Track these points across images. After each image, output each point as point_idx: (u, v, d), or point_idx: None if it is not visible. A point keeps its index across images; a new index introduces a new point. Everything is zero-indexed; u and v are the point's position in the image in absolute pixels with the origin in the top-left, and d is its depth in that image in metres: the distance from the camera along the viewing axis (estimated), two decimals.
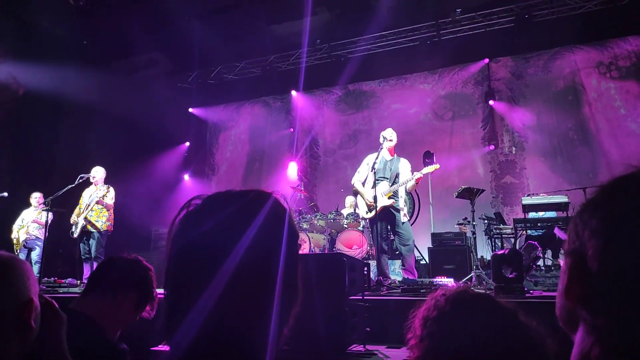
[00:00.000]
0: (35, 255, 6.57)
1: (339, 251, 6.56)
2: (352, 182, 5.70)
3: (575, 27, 8.06)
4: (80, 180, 5.96)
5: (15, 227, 6.78)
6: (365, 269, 3.13)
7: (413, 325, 1.05)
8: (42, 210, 6.05)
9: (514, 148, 8.68)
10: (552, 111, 8.47)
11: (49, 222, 5.87)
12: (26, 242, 6.65)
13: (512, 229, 6.45)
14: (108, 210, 6.14)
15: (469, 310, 0.98)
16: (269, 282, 0.71)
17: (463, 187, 5.69)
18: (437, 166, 5.39)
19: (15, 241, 6.67)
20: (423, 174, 5.17)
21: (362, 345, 2.86)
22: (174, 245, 0.74)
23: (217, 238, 0.70)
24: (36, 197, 6.73)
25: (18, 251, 6.52)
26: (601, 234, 0.55)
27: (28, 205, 6.80)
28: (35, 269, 5.81)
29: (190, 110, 11.07)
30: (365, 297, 3.05)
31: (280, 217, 0.75)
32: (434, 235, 6.90)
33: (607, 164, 7.83)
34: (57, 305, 1.22)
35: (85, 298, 1.63)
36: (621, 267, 0.53)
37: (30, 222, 6.64)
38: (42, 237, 6.07)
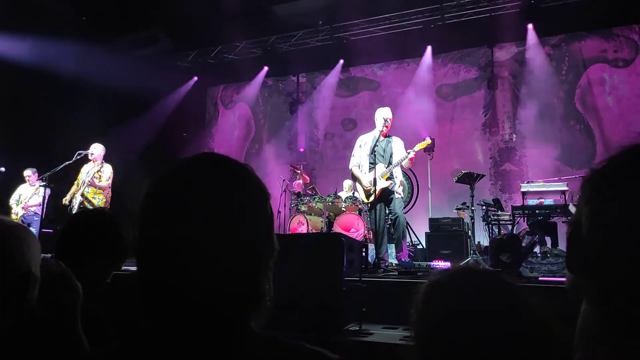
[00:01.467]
0: (33, 230, 6.56)
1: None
2: (350, 167, 5.67)
3: (580, 14, 7.96)
4: (78, 157, 5.92)
5: (12, 202, 6.76)
6: (364, 250, 3.13)
7: (416, 301, 1.04)
8: (40, 185, 6.01)
9: (514, 135, 8.65)
10: (555, 99, 8.42)
11: (46, 198, 5.85)
12: (24, 218, 6.64)
13: (510, 215, 6.46)
14: (103, 190, 6.12)
15: (473, 286, 0.97)
16: (253, 242, 0.71)
17: (463, 171, 5.67)
18: (428, 141, 5.34)
19: (14, 217, 6.65)
20: (416, 151, 5.12)
21: (358, 325, 2.87)
22: (147, 216, 0.74)
23: (193, 205, 0.70)
24: (28, 175, 6.70)
25: None
26: (590, 202, 0.59)
27: (24, 180, 6.77)
28: None
29: (190, 89, 10.96)
30: (362, 278, 3.05)
31: (252, 181, 0.76)
32: (431, 220, 6.92)
33: (606, 151, 7.81)
34: (72, 276, 1.21)
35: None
36: (606, 234, 0.55)
37: (29, 199, 6.63)
38: (40, 213, 6.05)
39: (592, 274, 0.58)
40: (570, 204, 4.74)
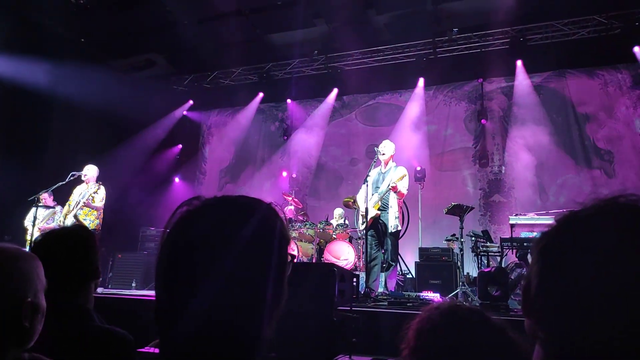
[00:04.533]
0: None
1: (327, 261, 6.58)
2: (356, 197, 5.79)
3: (568, 53, 8.27)
4: (72, 178, 5.92)
5: (27, 223, 6.60)
6: (355, 280, 3.16)
7: (407, 336, 1.09)
8: (33, 206, 5.96)
9: (503, 167, 8.81)
10: (543, 132, 8.62)
11: (38, 218, 5.82)
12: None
13: (498, 247, 6.53)
14: (96, 210, 6.10)
15: (461, 324, 1.03)
16: (261, 284, 0.74)
17: (453, 203, 5.76)
18: (404, 174, 5.32)
19: (29, 237, 6.48)
20: (395, 183, 5.15)
21: (348, 356, 2.88)
22: (169, 244, 0.77)
23: (213, 241, 0.74)
24: (44, 197, 6.58)
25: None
26: (537, 264, 0.68)
27: (19, 197, 6.65)
28: None
29: (185, 113, 11.06)
30: (353, 308, 3.08)
31: (272, 224, 0.79)
32: (421, 250, 6.96)
33: (594, 189, 7.98)
34: None
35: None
36: (549, 290, 0.65)
37: (44, 221, 6.53)
38: None
39: (540, 324, 0.67)
40: (529, 256, 4.84)
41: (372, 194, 5.36)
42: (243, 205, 0.80)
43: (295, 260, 0.82)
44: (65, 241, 1.62)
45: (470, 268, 6.96)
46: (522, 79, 8.90)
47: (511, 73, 8.94)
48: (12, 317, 1.03)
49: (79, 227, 1.73)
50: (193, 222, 0.77)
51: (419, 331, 1.05)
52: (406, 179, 5.34)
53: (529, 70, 8.80)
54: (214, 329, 0.71)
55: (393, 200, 5.38)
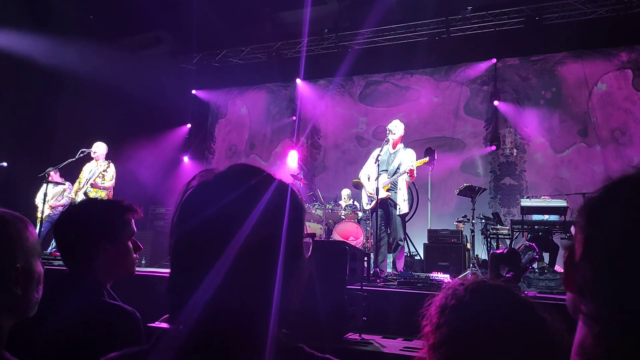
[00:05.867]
0: None
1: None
2: (359, 176, 5.73)
3: (584, 32, 8.06)
4: (81, 155, 5.92)
5: (37, 201, 6.65)
6: (366, 259, 3.14)
7: (429, 312, 1.06)
8: (44, 182, 5.97)
9: (515, 150, 8.70)
10: (556, 115, 8.48)
11: (48, 195, 5.84)
12: (50, 217, 6.54)
13: (509, 229, 6.48)
14: (105, 190, 6.11)
15: (487, 300, 0.99)
16: (271, 261, 0.72)
17: (465, 184, 5.70)
18: (425, 159, 5.41)
19: (39, 215, 6.54)
20: (414, 167, 5.15)
21: (358, 334, 2.87)
22: (181, 222, 0.74)
23: (224, 218, 0.71)
24: (50, 174, 6.62)
25: (41, 225, 6.36)
26: (583, 231, 0.63)
27: (29, 176, 6.70)
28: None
29: (193, 92, 11.00)
30: (363, 287, 3.06)
31: (282, 200, 0.76)
32: (430, 231, 6.93)
33: (607, 172, 7.86)
34: None
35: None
36: (595, 260, 0.60)
37: (55, 198, 6.57)
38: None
39: (584, 297, 0.62)
40: (572, 227, 4.77)
41: (380, 175, 5.30)
42: (255, 182, 0.76)
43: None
44: (92, 211, 1.59)
45: (480, 251, 6.92)
46: (536, 60, 8.72)
47: (526, 53, 8.75)
48: (2, 283, 0.98)
49: (96, 200, 1.70)
50: (203, 202, 0.74)
51: (443, 307, 1.01)
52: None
53: (545, 50, 8.60)
54: (224, 310, 0.69)
55: (402, 182, 5.33)
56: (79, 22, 8.44)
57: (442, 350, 0.96)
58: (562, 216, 6.09)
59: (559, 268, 6.34)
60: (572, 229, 0.68)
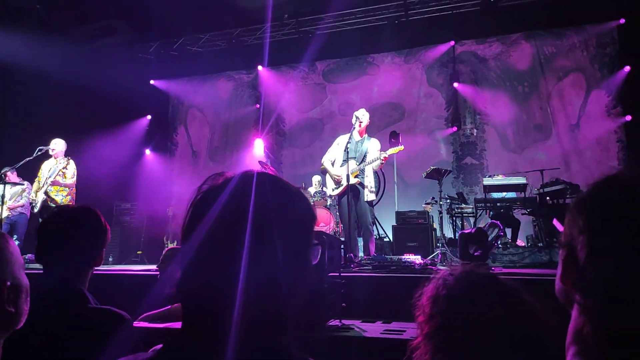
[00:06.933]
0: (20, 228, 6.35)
1: None
2: (322, 161, 5.75)
3: (537, 14, 8.32)
4: (39, 153, 5.68)
5: None
6: (342, 247, 3.20)
7: (420, 303, 1.11)
8: (24, 187, 5.71)
9: (475, 130, 8.96)
10: (513, 95, 8.78)
11: (6, 196, 5.59)
12: (9, 218, 6.26)
13: (472, 208, 6.73)
14: (68, 187, 5.90)
15: (476, 288, 1.05)
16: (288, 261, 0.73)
17: (432, 167, 5.86)
18: (401, 148, 5.50)
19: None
20: (389, 155, 5.27)
21: (339, 320, 2.95)
22: (194, 221, 0.76)
23: (239, 224, 0.71)
24: (5, 174, 6.31)
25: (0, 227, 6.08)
26: (586, 232, 0.68)
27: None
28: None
29: (152, 82, 10.67)
30: (341, 274, 3.13)
31: (304, 207, 0.80)
32: (398, 213, 7.09)
33: (562, 151, 8.25)
34: None
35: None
36: (600, 260, 0.65)
37: (13, 199, 6.28)
38: (27, 212, 5.84)
39: (586, 296, 0.68)
40: (555, 220, 5.00)
41: (344, 162, 5.36)
42: (275, 185, 0.78)
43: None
44: (75, 224, 1.56)
45: (447, 230, 7.15)
46: (493, 41, 8.97)
47: (483, 35, 8.97)
48: None
49: (88, 210, 1.66)
50: (212, 198, 0.75)
51: (435, 297, 1.07)
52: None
53: (500, 31, 8.85)
54: (246, 307, 0.70)
55: (369, 169, 5.42)
56: (25, 13, 8.00)
57: (437, 338, 1.03)
58: (522, 192, 6.38)
59: (520, 242, 6.65)
60: (557, 223, 0.73)
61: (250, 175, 0.78)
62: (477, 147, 8.94)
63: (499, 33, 8.90)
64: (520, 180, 6.33)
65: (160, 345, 0.77)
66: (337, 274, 3.06)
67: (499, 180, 6.49)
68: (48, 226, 1.57)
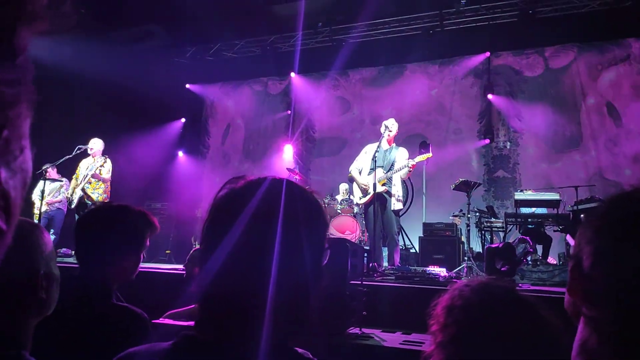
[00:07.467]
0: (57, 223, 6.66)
1: (332, 236, 6.64)
2: (350, 170, 5.77)
3: (578, 26, 8.12)
4: (78, 151, 5.92)
5: (34, 197, 6.65)
6: (365, 255, 3.20)
7: (435, 312, 1.11)
8: (41, 179, 5.97)
9: (508, 143, 8.78)
10: (549, 109, 8.55)
11: (45, 191, 5.85)
12: (47, 213, 6.56)
13: (502, 222, 6.57)
14: (104, 183, 6.12)
15: (492, 301, 1.04)
16: (304, 264, 0.76)
17: (460, 179, 5.77)
18: (429, 155, 5.45)
19: (36, 212, 6.53)
20: (416, 162, 5.24)
21: (359, 328, 2.93)
22: (217, 214, 0.80)
23: (258, 219, 0.75)
24: (47, 170, 6.61)
25: (39, 221, 6.37)
26: (592, 243, 0.67)
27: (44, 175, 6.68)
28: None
29: (187, 86, 10.95)
30: (363, 282, 3.12)
31: (315, 209, 0.83)
32: (425, 225, 7.00)
33: (598, 167, 7.97)
34: None
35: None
36: (605, 271, 0.65)
37: (51, 195, 6.62)
38: (64, 208, 6.07)
39: (592, 307, 0.67)
40: (568, 236, 4.89)
41: (371, 170, 5.36)
42: (302, 192, 0.82)
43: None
44: (111, 223, 1.61)
45: (474, 243, 7.01)
46: (529, 53, 8.79)
47: (520, 47, 8.81)
48: (30, 290, 1.04)
49: (125, 209, 1.71)
50: (237, 200, 0.78)
51: (450, 308, 1.06)
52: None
53: (538, 43, 8.67)
54: (276, 309, 0.73)
55: (397, 178, 5.39)
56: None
57: (450, 348, 1.02)
58: (555, 209, 6.19)
59: (552, 260, 6.46)
60: (569, 239, 0.73)
61: (279, 182, 0.81)
62: (510, 160, 8.74)
63: (536, 45, 8.72)
64: (553, 195, 6.15)
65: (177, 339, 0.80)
66: (359, 282, 3.05)
67: (531, 195, 6.33)
68: (85, 222, 1.63)
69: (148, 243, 1.70)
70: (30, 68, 0.40)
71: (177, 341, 0.78)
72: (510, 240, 5.93)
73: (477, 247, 6.95)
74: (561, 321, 1.00)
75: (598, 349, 0.66)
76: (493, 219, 6.79)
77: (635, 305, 0.61)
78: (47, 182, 6.26)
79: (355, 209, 7.23)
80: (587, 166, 8.11)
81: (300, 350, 0.82)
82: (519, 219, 6.19)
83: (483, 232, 6.75)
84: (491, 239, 6.82)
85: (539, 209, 6.23)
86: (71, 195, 6.06)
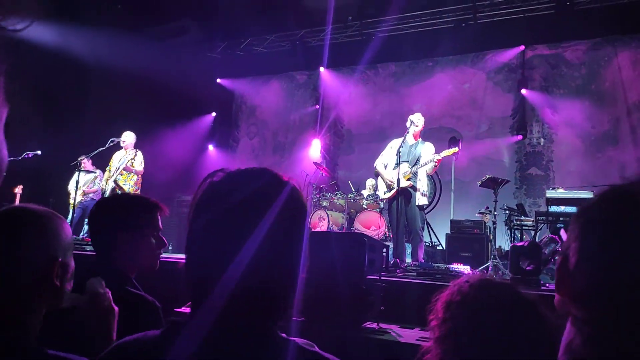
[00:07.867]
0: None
1: (357, 231, 6.63)
2: (375, 165, 5.73)
3: (618, 18, 7.77)
4: (111, 144, 6.12)
5: (70, 188, 6.92)
6: (384, 250, 3.18)
7: (435, 307, 1.10)
8: (76, 170, 6.22)
9: (542, 139, 8.52)
10: (587, 104, 8.24)
11: (80, 182, 6.08)
12: (81, 203, 6.86)
13: (533, 221, 6.38)
14: (137, 175, 6.31)
15: (491, 298, 1.02)
16: (284, 252, 0.79)
17: (487, 176, 5.64)
18: (455, 150, 5.35)
19: (71, 202, 6.80)
20: (442, 157, 5.16)
21: (376, 323, 2.93)
22: (197, 214, 0.81)
23: (239, 216, 0.77)
24: (82, 161, 6.85)
25: (74, 211, 6.64)
26: (577, 239, 0.66)
27: (60, 164, 6.96)
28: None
29: (218, 80, 11.12)
30: (382, 278, 3.10)
31: (297, 211, 0.82)
32: (453, 222, 6.89)
33: (638, 165, 7.63)
34: (111, 299, 1.29)
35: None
36: (589, 269, 0.63)
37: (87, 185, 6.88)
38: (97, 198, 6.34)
39: (576, 303, 0.65)
40: (562, 230, 4.71)
41: (396, 165, 5.31)
42: (264, 184, 0.81)
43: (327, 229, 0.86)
44: (118, 203, 1.69)
45: (503, 242, 6.86)
46: (566, 47, 8.47)
47: (556, 39, 8.49)
48: (46, 276, 1.05)
49: (137, 198, 1.76)
50: (218, 197, 0.80)
51: (448, 303, 1.06)
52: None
53: (576, 37, 8.34)
54: (245, 293, 0.75)
55: (422, 173, 5.32)
56: (106, 12, 8.63)
57: (447, 343, 1.01)
58: None
59: None
60: (563, 234, 0.70)
61: (259, 172, 0.83)
62: (544, 157, 8.48)
63: (574, 37, 8.38)
64: (586, 194, 5.91)
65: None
66: (377, 277, 3.03)
67: (563, 193, 6.12)
68: (91, 213, 1.69)
69: (159, 225, 1.72)
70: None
71: (165, 328, 0.80)
72: (541, 240, 5.77)
73: (506, 245, 6.79)
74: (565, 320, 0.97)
75: (582, 349, 0.64)
76: (523, 217, 6.60)
77: (618, 305, 0.59)
78: (82, 174, 6.50)
79: (381, 204, 7.19)
80: (626, 165, 7.78)
81: (302, 340, 0.83)
82: (550, 218, 6.00)
83: (513, 230, 6.58)
84: (521, 237, 6.64)
85: (570, 207, 6.02)
86: (105, 186, 6.28)
